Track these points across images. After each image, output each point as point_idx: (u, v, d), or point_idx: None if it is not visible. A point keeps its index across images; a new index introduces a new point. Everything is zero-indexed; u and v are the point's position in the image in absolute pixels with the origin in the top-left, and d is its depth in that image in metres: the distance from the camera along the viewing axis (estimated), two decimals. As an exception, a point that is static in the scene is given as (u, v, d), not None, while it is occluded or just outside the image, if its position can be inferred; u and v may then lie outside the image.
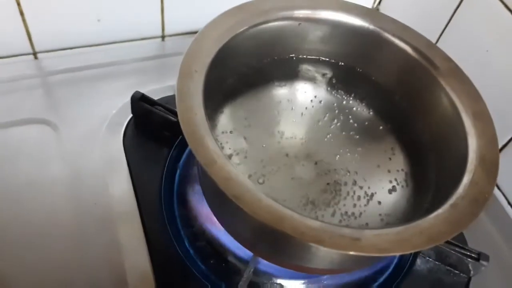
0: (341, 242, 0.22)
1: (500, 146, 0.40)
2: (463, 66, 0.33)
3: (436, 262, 0.35)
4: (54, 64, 0.44)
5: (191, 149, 0.24)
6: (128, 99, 0.40)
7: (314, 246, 0.26)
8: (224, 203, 0.29)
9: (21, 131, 0.38)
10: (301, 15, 0.34)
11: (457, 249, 0.33)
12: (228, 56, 0.30)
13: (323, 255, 0.28)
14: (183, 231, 0.34)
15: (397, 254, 0.23)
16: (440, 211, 0.25)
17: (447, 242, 0.34)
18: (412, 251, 0.23)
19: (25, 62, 0.44)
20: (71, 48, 0.46)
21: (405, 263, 0.35)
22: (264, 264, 0.33)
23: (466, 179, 0.27)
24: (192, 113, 0.25)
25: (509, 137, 0.40)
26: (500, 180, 0.41)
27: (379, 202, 0.31)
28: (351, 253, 0.22)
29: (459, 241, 0.35)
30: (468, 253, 0.33)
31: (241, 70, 0.34)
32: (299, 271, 0.30)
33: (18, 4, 0.40)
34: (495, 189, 0.41)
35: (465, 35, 0.45)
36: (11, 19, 0.41)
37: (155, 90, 0.42)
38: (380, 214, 0.31)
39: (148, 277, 0.31)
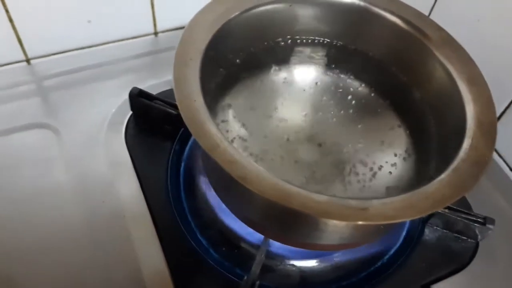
0: (348, 213, 0.23)
1: (498, 113, 0.40)
2: (456, 37, 0.33)
3: (444, 230, 0.35)
4: (48, 69, 0.44)
5: (193, 135, 0.24)
6: (126, 97, 0.40)
7: (323, 221, 0.27)
8: (231, 188, 0.29)
9: (22, 137, 0.38)
10: (291, -4, 0.34)
11: (463, 215, 0.34)
12: (222, 43, 0.31)
13: (333, 229, 0.28)
14: (194, 222, 0.34)
15: (405, 220, 0.23)
16: (443, 176, 0.25)
17: (453, 209, 0.34)
18: (419, 216, 0.23)
19: (18, 69, 0.44)
20: (63, 52, 0.45)
21: (413, 235, 0.35)
22: (276, 246, 0.33)
23: (466, 144, 0.27)
24: (191, 100, 0.26)
25: (507, 104, 0.41)
26: (499, 146, 0.42)
27: (384, 176, 0.32)
28: (360, 223, 0.23)
29: (464, 207, 0.35)
30: (474, 218, 0.34)
31: (236, 56, 0.34)
32: (310, 249, 0.31)
33: (7, 11, 0.40)
34: (496, 155, 0.41)
35: (456, 5, 0.45)
36: (1, 26, 0.41)
37: (152, 86, 0.42)
38: (386, 188, 0.31)
39: (163, 271, 0.31)
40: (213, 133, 0.24)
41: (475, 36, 0.42)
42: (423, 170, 0.32)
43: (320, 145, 0.33)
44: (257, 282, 0.29)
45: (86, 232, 0.33)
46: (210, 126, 0.25)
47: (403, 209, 0.23)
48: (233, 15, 0.31)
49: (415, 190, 0.24)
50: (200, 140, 0.24)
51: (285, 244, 0.31)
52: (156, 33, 0.49)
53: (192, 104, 0.25)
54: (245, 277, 0.30)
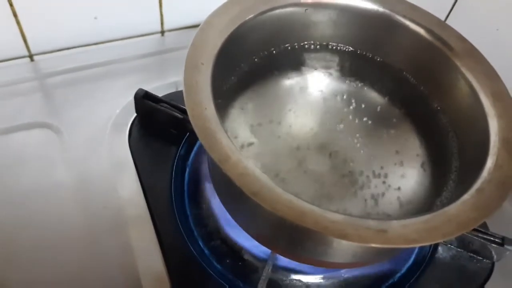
0: (367, 235, 0.21)
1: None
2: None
3: (459, 249, 0.34)
4: (51, 66, 0.42)
5: (204, 145, 0.23)
6: (130, 98, 0.39)
7: (335, 240, 0.25)
8: (239, 201, 0.28)
9: (23, 136, 0.37)
10: (307, 0, 0.32)
11: (480, 234, 0.32)
12: (234, 47, 0.29)
13: (344, 248, 0.27)
14: (197, 231, 0.33)
15: (427, 244, 0.22)
16: (466, 196, 0.24)
17: (469, 228, 0.33)
18: (442, 240, 0.22)
19: (21, 65, 0.42)
20: (68, 49, 0.44)
21: (426, 252, 0.34)
22: (282, 260, 0.32)
23: (490, 163, 0.26)
24: (201, 108, 0.24)
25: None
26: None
27: (398, 190, 0.30)
28: (378, 246, 0.21)
29: (481, 226, 0.34)
30: (492, 238, 0.32)
31: (248, 61, 0.33)
32: (319, 266, 0.29)
33: (11, 5, 0.39)
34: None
35: (474, 13, 0.43)
36: (4, 20, 0.39)
37: (157, 87, 0.41)
38: (399, 202, 0.30)
39: (163, 279, 0.30)
40: (225, 144, 0.23)
41: (494, 45, 0.41)
42: (438, 185, 0.30)
43: (331, 155, 0.32)
44: (264, 299, 0.28)
45: (85, 238, 0.32)
46: (222, 136, 0.23)
47: (425, 232, 0.22)
48: (246, 19, 0.30)
49: (437, 212, 0.23)
50: (211, 152, 0.22)
51: (293, 260, 0.30)
52: (162, 32, 0.48)
53: (203, 112, 0.24)
54: (251, 294, 0.29)
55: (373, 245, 0.21)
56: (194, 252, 0.32)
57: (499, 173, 0.25)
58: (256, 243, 0.31)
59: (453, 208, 0.23)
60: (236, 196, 0.28)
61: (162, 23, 0.47)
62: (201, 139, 0.23)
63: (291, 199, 0.22)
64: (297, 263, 0.31)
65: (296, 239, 0.27)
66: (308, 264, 0.30)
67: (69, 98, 0.40)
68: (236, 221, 0.30)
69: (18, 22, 0.40)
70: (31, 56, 0.43)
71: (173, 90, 0.41)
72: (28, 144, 0.37)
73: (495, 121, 0.27)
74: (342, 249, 0.27)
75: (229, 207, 0.30)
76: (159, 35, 0.48)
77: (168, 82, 0.42)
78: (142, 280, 0.30)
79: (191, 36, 0.28)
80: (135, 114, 0.38)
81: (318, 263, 0.29)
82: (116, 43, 0.46)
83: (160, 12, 0.46)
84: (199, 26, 0.28)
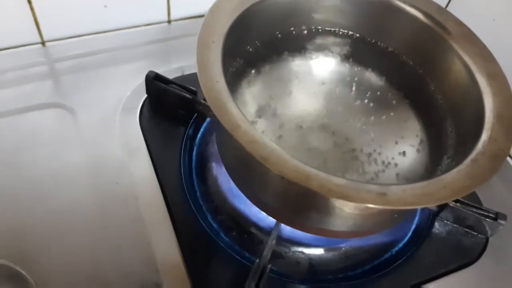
0: (368, 197, 0.23)
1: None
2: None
3: (454, 225, 0.35)
4: (63, 51, 0.44)
5: (216, 115, 0.24)
6: (140, 81, 0.40)
7: (337, 207, 0.27)
8: (247, 169, 0.29)
9: (37, 116, 0.38)
10: (312, -14, 0.34)
11: (474, 210, 0.34)
12: (242, 28, 0.31)
13: (347, 216, 0.28)
14: (205, 206, 0.35)
15: (423, 206, 0.23)
16: (461, 166, 0.25)
17: (464, 203, 0.34)
18: (437, 204, 0.24)
19: (34, 51, 0.44)
20: (78, 36, 0.46)
21: (423, 228, 0.35)
22: (285, 233, 0.33)
23: (484, 136, 0.27)
24: (213, 81, 0.26)
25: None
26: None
27: (396, 167, 0.32)
28: (378, 207, 0.23)
29: (475, 202, 0.35)
30: (486, 213, 0.34)
31: (255, 42, 0.34)
32: (322, 235, 0.31)
33: (26, -8, 0.40)
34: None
35: (472, 4, 0.45)
36: (19, 8, 0.41)
37: (165, 71, 0.41)
38: (398, 179, 0.31)
39: (175, 252, 0.32)
40: (235, 114, 0.25)
41: (490, 35, 0.42)
42: (434, 163, 0.32)
43: (333, 134, 0.33)
44: (269, 266, 0.30)
45: (99, 213, 0.33)
46: (232, 107, 0.25)
47: (422, 196, 0.23)
48: (254, 2, 0.31)
49: (433, 179, 0.25)
50: (222, 120, 0.24)
51: (297, 229, 0.31)
52: (169, 21, 0.49)
53: (215, 85, 0.25)
54: (257, 261, 0.30)
55: (373, 206, 0.23)
56: (204, 226, 0.33)
57: (493, 145, 0.26)
58: (261, 216, 0.33)
59: (448, 176, 0.25)
60: (244, 165, 0.29)
61: (169, 13, 0.48)
62: (214, 109, 0.24)
63: (298, 164, 0.24)
64: (300, 235, 0.33)
65: (301, 206, 0.28)
66: (311, 233, 0.31)
67: (80, 81, 0.41)
68: (242, 191, 0.32)
69: (32, 9, 0.42)
70: (43, 43, 0.44)
71: (179, 74, 0.43)
72: (42, 123, 0.38)
73: (490, 99, 0.29)
74: (344, 216, 0.28)
75: (236, 177, 0.32)
76: (166, 24, 0.49)
77: (174, 67, 0.44)
78: (155, 253, 0.31)
79: (197, 25, 0.29)
80: (145, 96, 0.40)
81: (321, 232, 0.30)
82: (124, 31, 0.47)
83: (167, 2, 0.47)
84: (210, 8, 0.30)
